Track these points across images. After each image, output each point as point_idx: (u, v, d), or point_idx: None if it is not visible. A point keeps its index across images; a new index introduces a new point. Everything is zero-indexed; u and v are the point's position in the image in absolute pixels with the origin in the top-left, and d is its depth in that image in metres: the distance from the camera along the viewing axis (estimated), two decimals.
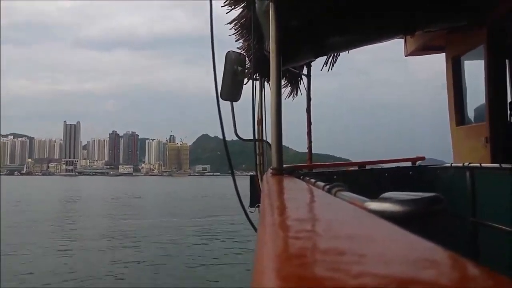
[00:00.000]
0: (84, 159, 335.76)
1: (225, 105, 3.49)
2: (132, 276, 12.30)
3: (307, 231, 0.74)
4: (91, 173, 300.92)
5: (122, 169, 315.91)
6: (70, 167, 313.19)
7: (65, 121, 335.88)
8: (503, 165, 3.61)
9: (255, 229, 3.53)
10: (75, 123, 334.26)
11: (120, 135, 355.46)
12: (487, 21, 4.71)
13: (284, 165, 2.60)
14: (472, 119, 5.72)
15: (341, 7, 4.33)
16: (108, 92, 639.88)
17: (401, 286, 0.41)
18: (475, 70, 5.56)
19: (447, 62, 5.86)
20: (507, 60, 5.07)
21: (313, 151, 6.18)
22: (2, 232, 18.43)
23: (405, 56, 6.44)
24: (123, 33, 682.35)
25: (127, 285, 11.41)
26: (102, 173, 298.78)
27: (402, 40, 6.19)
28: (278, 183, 2.08)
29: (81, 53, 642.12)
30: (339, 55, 5.70)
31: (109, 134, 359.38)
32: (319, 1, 4.26)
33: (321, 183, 1.78)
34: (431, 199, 1.05)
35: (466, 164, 4.08)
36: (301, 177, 2.54)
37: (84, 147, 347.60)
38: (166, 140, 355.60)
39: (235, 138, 3.90)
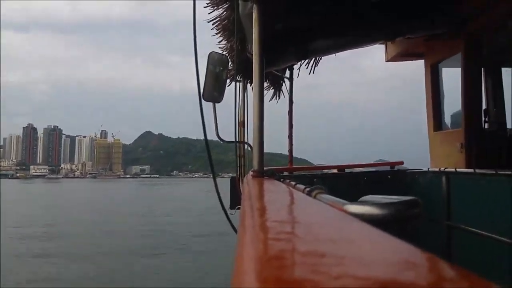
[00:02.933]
0: None
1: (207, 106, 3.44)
2: None
3: (287, 233, 0.74)
4: None
5: (34, 170, 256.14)
6: None
7: None
8: (477, 170, 3.71)
9: (236, 231, 3.51)
10: None
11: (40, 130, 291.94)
12: (465, 31, 4.84)
13: (265, 168, 2.60)
14: (449, 125, 5.85)
15: (325, 12, 4.37)
16: (36, 82, 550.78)
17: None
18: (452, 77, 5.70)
19: (426, 69, 5.98)
20: (483, 69, 5.21)
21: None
22: None
23: (386, 61, 6.54)
24: (43, 13, 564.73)
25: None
26: (5, 176, 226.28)
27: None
28: (258, 185, 2.07)
29: None
30: (321, 58, 5.76)
31: (23, 128, 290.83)
32: (302, 5, 4.29)
33: (301, 186, 1.79)
34: (408, 203, 1.07)
35: (442, 169, 4.18)
36: (282, 179, 2.54)
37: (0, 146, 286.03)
38: (95, 136, 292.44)
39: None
